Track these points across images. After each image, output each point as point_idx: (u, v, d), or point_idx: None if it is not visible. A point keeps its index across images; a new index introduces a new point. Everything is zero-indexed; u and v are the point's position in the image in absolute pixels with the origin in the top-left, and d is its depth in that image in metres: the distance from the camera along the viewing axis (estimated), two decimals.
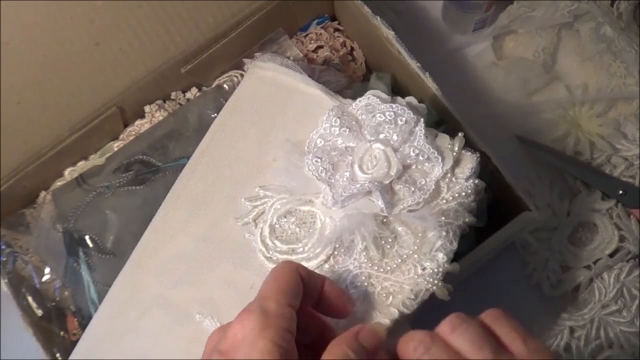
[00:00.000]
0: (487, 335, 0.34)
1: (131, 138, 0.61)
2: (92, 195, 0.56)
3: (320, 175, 0.46)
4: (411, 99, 0.49)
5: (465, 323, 0.35)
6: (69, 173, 0.62)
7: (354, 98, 0.49)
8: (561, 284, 0.59)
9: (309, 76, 0.52)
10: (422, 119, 0.46)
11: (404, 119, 0.46)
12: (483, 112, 0.65)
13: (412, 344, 0.35)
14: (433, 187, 0.45)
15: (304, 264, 0.45)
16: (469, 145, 0.47)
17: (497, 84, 0.67)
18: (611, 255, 0.59)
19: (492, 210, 0.52)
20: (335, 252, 0.45)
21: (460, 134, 0.47)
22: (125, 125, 0.63)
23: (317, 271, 0.45)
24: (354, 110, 0.48)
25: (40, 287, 0.58)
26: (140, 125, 0.62)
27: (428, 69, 0.54)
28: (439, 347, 0.34)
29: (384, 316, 0.42)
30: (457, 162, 0.46)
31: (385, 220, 0.45)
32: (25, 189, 0.60)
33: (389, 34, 0.55)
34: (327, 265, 0.45)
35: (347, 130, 0.46)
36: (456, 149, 0.46)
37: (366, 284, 0.44)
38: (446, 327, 0.35)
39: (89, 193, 0.56)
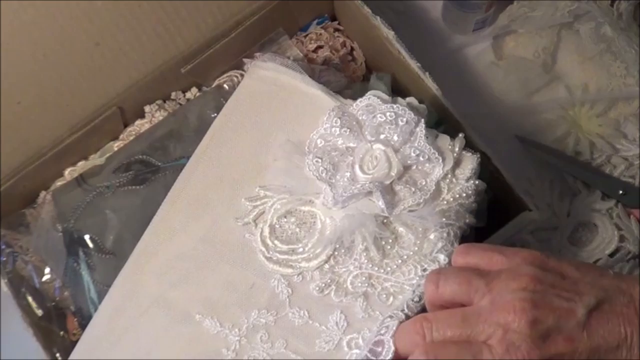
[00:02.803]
0: (466, 271, 0.36)
1: (131, 138, 0.61)
2: (92, 195, 0.56)
3: (320, 176, 0.46)
4: (412, 99, 0.49)
5: (441, 274, 0.37)
6: (69, 173, 0.62)
7: (354, 98, 0.49)
8: None
9: (309, 76, 0.52)
10: (422, 120, 0.46)
11: (404, 119, 0.46)
12: (483, 112, 0.65)
13: (412, 328, 0.36)
14: (434, 187, 0.45)
15: (304, 264, 0.46)
16: (469, 145, 0.47)
17: (497, 84, 0.67)
18: (611, 255, 0.59)
19: (492, 210, 0.52)
20: (336, 253, 0.45)
21: (460, 135, 0.47)
22: (125, 125, 0.63)
23: (317, 271, 0.45)
24: (355, 111, 0.48)
25: (40, 287, 0.58)
26: (140, 125, 0.62)
27: (428, 69, 0.54)
28: (438, 319, 0.35)
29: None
30: (457, 163, 0.46)
31: (385, 220, 0.45)
32: (25, 189, 0.60)
33: (389, 34, 0.55)
34: (327, 266, 0.45)
35: (348, 130, 0.46)
36: (457, 149, 0.46)
37: (367, 284, 0.44)
38: (430, 285, 0.37)
39: (89, 193, 0.56)
